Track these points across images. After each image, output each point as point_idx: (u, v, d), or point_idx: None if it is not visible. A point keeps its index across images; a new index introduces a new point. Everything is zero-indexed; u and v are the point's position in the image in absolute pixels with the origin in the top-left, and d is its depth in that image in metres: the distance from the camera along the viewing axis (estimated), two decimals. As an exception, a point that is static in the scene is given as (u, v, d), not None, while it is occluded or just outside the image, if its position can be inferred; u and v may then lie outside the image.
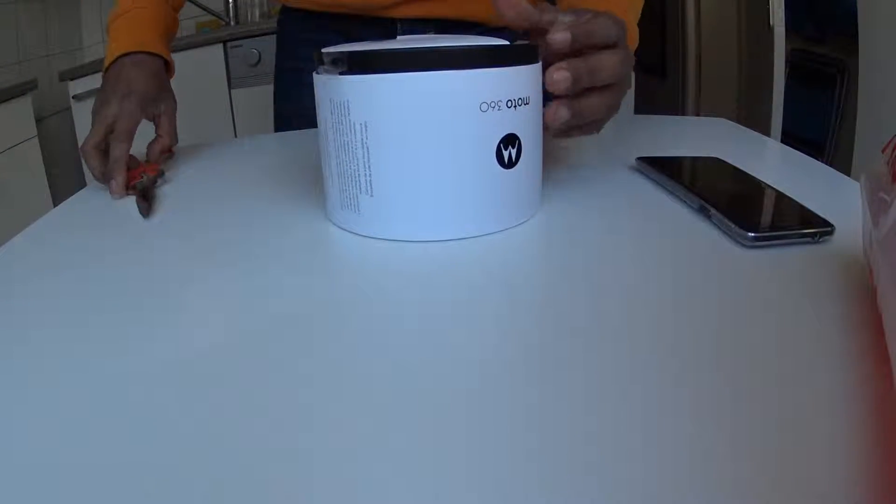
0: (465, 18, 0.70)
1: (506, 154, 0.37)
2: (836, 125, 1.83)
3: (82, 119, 2.16)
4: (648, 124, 0.69)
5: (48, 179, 2.00)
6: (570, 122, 0.41)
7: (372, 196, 0.38)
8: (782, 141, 1.43)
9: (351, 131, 0.37)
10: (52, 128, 2.20)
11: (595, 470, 0.19)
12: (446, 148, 0.36)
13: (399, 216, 0.38)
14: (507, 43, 0.37)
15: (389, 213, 0.38)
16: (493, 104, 0.36)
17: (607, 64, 0.41)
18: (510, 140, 0.37)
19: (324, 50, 0.38)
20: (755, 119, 2.05)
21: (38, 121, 2.00)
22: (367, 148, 0.37)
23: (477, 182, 0.37)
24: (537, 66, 0.39)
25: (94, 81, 2.15)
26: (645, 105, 2.25)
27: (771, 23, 1.94)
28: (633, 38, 0.54)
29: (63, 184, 2.12)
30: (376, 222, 0.38)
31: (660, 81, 2.47)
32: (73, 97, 2.12)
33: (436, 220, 0.38)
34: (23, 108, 1.89)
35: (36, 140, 1.96)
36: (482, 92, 0.35)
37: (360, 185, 0.38)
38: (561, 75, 0.38)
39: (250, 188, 0.51)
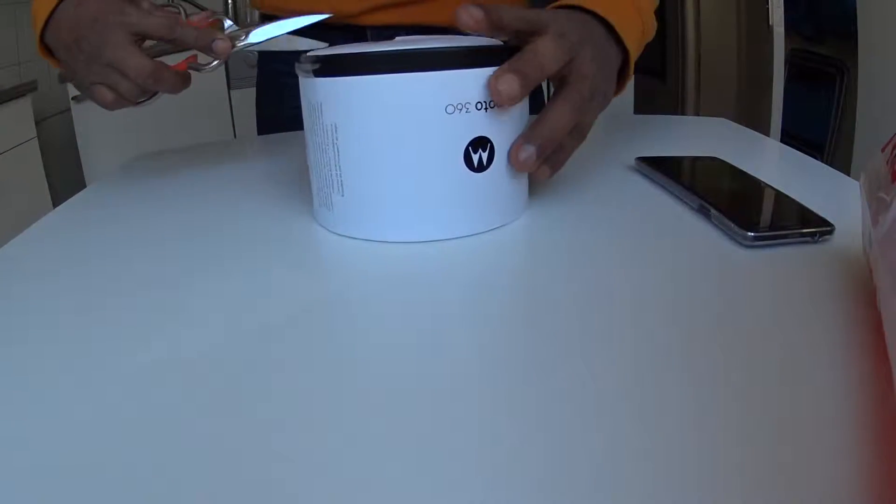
0: (434, 24, 0.70)
1: (475, 157, 0.37)
2: (836, 125, 1.83)
3: (82, 120, 2.16)
4: (648, 124, 0.69)
5: (48, 180, 2.00)
6: (540, 153, 0.38)
7: (343, 196, 0.38)
8: (782, 141, 1.43)
9: (323, 132, 0.37)
10: (51, 129, 2.20)
11: (595, 471, 0.19)
12: (412, 150, 0.36)
13: (367, 216, 0.38)
14: (484, 44, 0.37)
15: (358, 213, 0.38)
16: (459, 106, 0.35)
17: (542, 48, 0.38)
18: (480, 143, 0.37)
19: (309, 53, 0.38)
20: (755, 119, 2.05)
21: (38, 122, 2.00)
22: (338, 149, 0.37)
23: (444, 185, 0.37)
24: None
25: (94, 82, 2.14)
26: (645, 105, 2.25)
27: (770, 23, 1.94)
28: (635, 9, 0.48)
29: (63, 185, 2.12)
30: (347, 221, 0.39)
31: (660, 82, 2.47)
32: (72, 98, 2.12)
33: (403, 221, 0.38)
34: (23, 109, 1.89)
35: (35, 141, 1.96)
36: (447, 94, 0.35)
37: (332, 185, 0.38)
38: (507, 81, 0.35)
39: (248, 187, 0.51)
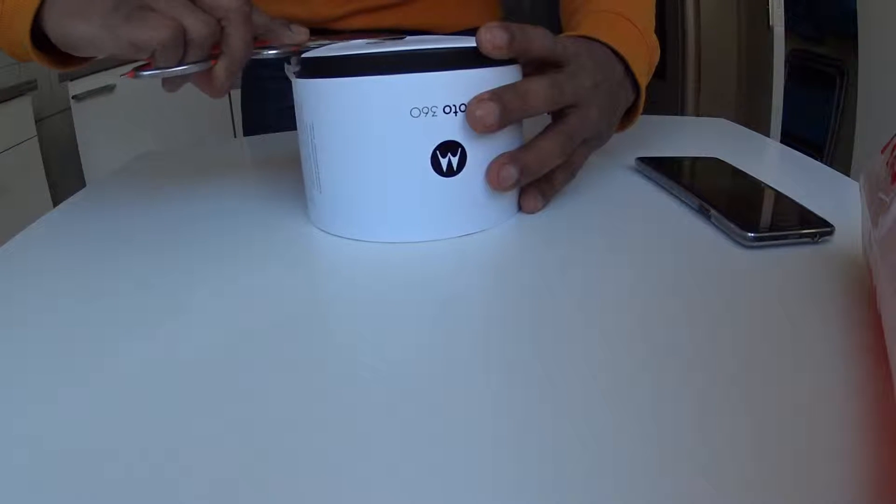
0: (412, 28, 0.70)
1: (444, 162, 0.36)
2: (836, 125, 1.83)
3: (82, 119, 2.17)
4: (648, 124, 0.69)
5: (48, 179, 2.00)
6: (521, 179, 0.37)
7: (321, 192, 0.39)
8: (782, 141, 1.43)
9: (305, 130, 0.39)
10: (51, 128, 2.20)
11: (594, 471, 0.19)
12: (379, 152, 0.36)
13: (341, 214, 0.39)
14: (454, 46, 0.36)
15: (333, 210, 0.39)
16: (425, 110, 0.35)
17: (535, 87, 0.37)
18: (449, 147, 0.36)
19: (303, 54, 0.38)
20: (755, 119, 2.05)
21: (38, 121, 2.00)
22: (315, 147, 0.38)
23: (411, 188, 0.37)
24: (483, 72, 0.36)
25: (94, 82, 2.15)
26: (645, 105, 2.25)
27: (770, 23, 1.94)
28: (646, 45, 0.48)
29: (63, 184, 2.12)
30: (325, 218, 0.40)
31: (660, 82, 2.47)
32: (72, 98, 2.12)
33: (373, 221, 0.38)
34: (23, 108, 1.90)
35: (36, 140, 1.96)
36: (412, 97, 0.35)
37: (313, 181, 0.40)
38: (484, 108, 0.34)
39: (247, 187, 0.51)
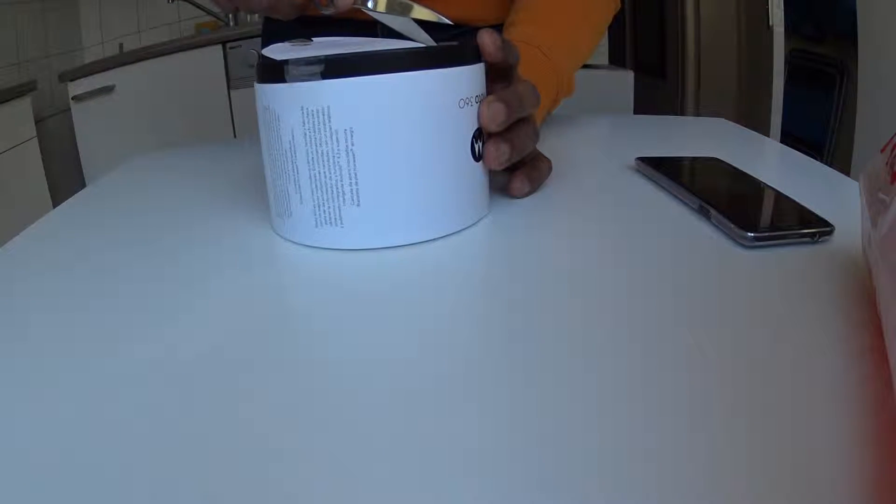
0: (452, 18, 0.70)
1: (476, 147, 0.39)
2: (836, 125, 1.83)
3: (82, 120, 2.17)
4: (648, 124, 0.69)
5: (48, 180, 2.00)
6: (512, 156, 0.41)
7: (359, 206, 0.36)
8: (782, 141, 1.43)
9: (332, 140, 0.35)
10: (51, 129, 2.20)
11: (592, 471, 0.19)
12: (433, 147, 0.37)
13: (390, 222, 0.37)
14: (436, 43, 0.39)
15: (379, 220, 0.37)
16: (467, 100, 0.38)
17: (525, 91, 0.42)
18: (478, 134, 0.39)
19: (291, 57, 0.35)
20: (755, 119, 2.05)
21: (38, 122, 2.00)
22: (353, 155, 0.35)
23: (459, 177, 0.39)
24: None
25: (94, 82, 2.15)
26: (645, 105, 2.25)
27: (770, 23, 1.94)
28: (570, 85, 0.59)
29: (63, 184, 2.12)
30: (364, 233, 0.37)
31: (659, 82, 2.47)
32: (72, 98, 2.12)
33: (427, 220, 0.38)
34: (22, 108, 1.90)
35: (35, 141, 1.96)
36: (460, 89, 0.37)
37: (343, 197, 0.36)
38: (496, 110, 0.39)
39: (249, 188, 0.51)
